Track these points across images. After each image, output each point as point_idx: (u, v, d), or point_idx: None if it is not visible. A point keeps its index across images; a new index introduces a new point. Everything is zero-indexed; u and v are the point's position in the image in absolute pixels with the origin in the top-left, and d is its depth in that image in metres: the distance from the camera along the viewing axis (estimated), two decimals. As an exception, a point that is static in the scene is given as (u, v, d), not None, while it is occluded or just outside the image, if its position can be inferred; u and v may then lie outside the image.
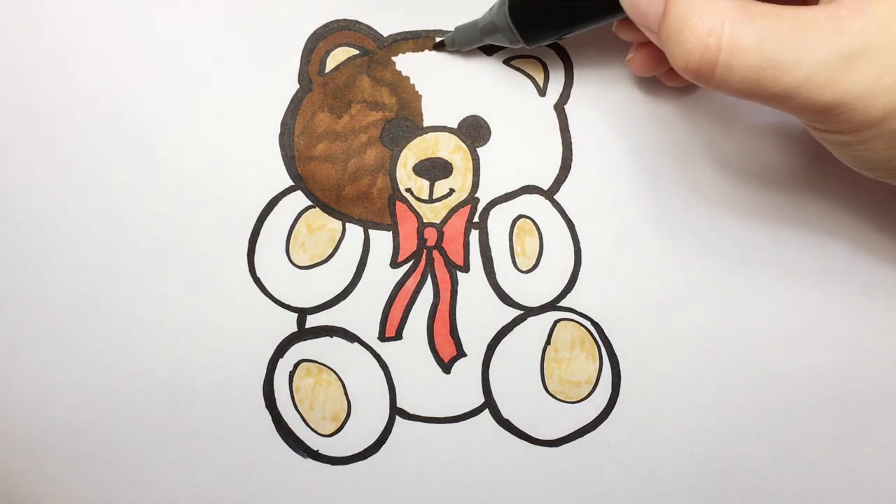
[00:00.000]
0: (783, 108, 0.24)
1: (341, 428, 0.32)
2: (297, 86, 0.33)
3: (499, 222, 0.33)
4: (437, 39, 0.33)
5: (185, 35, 0.33)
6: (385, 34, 0.33)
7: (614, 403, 0.32)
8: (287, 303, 0.32)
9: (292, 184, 0.33)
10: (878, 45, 0.22)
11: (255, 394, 0.32)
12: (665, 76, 0.32)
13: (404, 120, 0.33)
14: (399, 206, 0.33)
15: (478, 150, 0.33)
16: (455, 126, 0.33)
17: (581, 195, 0.33)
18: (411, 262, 0.33)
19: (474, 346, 0.33)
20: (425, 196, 0.33)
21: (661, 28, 0.25)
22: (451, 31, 0.33)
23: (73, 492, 0.32)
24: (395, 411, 0.32)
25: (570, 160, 0.33)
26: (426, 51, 0.33)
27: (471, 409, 0.33)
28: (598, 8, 0.28)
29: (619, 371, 0.32)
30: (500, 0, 0.30)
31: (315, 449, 0.32)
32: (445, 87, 0.33)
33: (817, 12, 0.23)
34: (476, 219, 0.33)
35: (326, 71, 0.33)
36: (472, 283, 0.33)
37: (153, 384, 0.32)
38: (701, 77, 0.24)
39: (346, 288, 0.32)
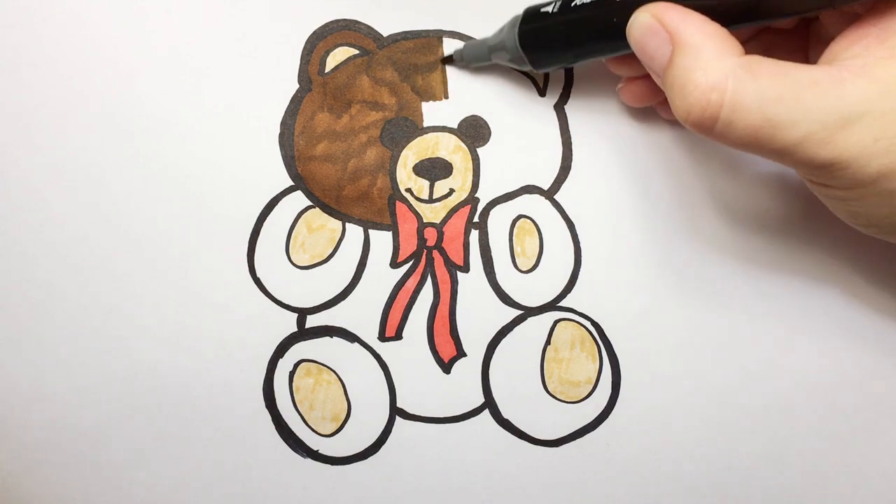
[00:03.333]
0: (780, 161, 0.24)
1: (341, 428, 0.32)
2: (297, 86, 0.33)
3: (499, 222, 0.33)
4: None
5: (184, 35, 0.33)
6: (385, 34, 0.33)
7: (614, 403, 0.32)
8: (287, 303, 0.32)
9: (292, 184, 0.33)
10: (878, 110, 0.22)
11: (255, 394, 0.32)
12: (659, 108, 0.32)
13: (404, 120, 0.33)
14: (399, 206, 0.33)
15: (478, 150, 0.33)
16: (455, 126, 0.33)
17: (581, 195, 0.33)
18: (411, 262, 0.33)
19: (474, 346, 0.33)
20: (425, 196, 0.33)
21: (665, 75, 0.25)
22: (448, 31, 0.33)
23: (73, 492, 0.32)
24: (395, 411, 0.32)
25: (570, 160, 0.33)
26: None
27: (471, 409, 0.33)
28: (607, 42, 0.28)
29: (619, 371, 0.32)
30: (510, 22, 0.30)
31: (315, 449, 0.32)
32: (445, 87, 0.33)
33: (820, 73, 0.23)
34: (476, 219, 0.33)
35: (326, 71, 0.33)
36: (472, 283, 0.33)
37: (153, 384, 0.32)
38: (701, 129, 0.24)
39: (346, 288, 0.32)
